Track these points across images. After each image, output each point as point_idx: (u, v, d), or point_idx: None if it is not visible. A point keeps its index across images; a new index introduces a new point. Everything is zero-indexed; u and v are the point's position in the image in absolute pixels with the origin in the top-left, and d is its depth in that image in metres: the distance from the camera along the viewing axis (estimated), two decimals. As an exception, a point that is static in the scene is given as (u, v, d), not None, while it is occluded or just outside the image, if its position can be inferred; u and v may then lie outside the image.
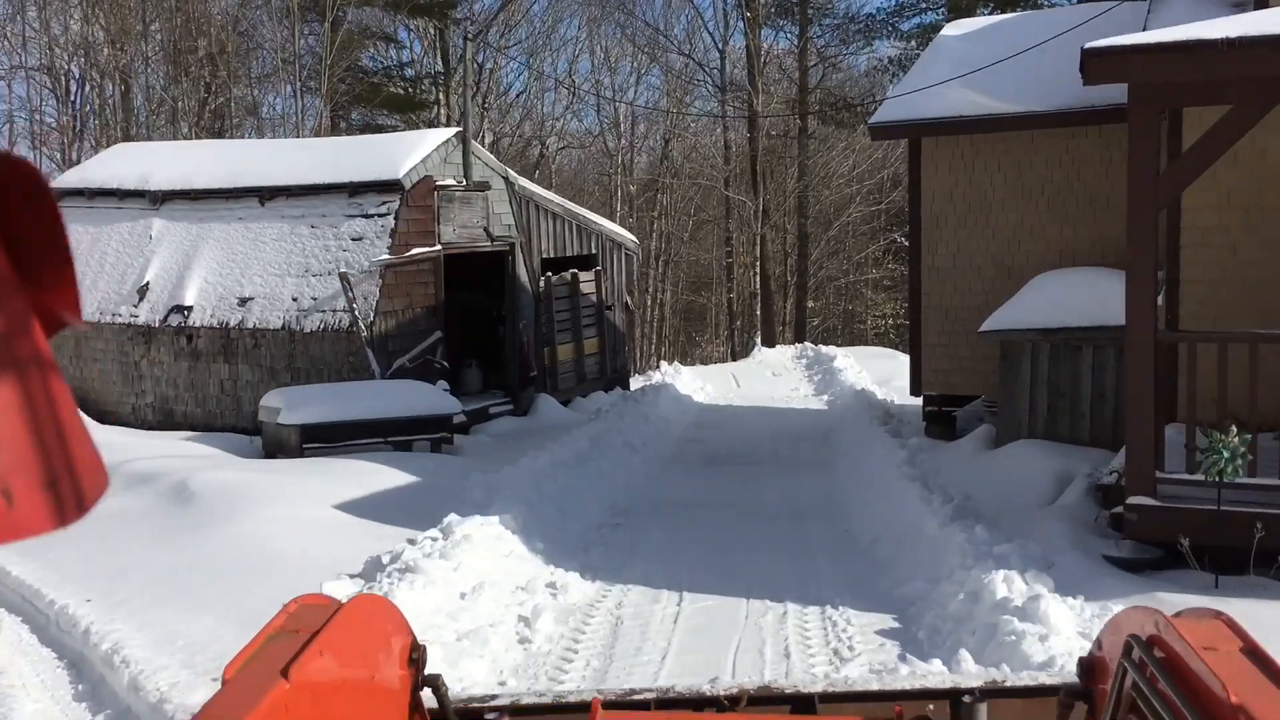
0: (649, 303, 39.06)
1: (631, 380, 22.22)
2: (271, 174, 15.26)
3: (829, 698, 2.84)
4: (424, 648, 2.50)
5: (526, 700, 2.90)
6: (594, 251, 18.59)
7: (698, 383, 22.10)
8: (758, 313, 30.76)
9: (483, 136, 35.75)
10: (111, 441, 12.62)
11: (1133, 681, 2.04)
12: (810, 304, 32.48)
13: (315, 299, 14.28)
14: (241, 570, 7.41)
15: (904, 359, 25.86)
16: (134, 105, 30.08)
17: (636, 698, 2.87)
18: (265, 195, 15.18)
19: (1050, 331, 10.80)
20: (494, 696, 2.95)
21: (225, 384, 14.97)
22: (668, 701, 2.85)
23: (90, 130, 29.19)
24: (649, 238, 38.69)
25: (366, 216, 14.49)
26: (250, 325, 14.55)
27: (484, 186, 15.65)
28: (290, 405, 12.18)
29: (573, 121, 40.08)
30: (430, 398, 13.05)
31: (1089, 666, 2.39)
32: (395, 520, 8.79)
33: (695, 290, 43.71)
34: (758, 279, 30.80)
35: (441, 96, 31.99)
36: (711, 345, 43.82)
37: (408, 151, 14.76)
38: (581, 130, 42.98)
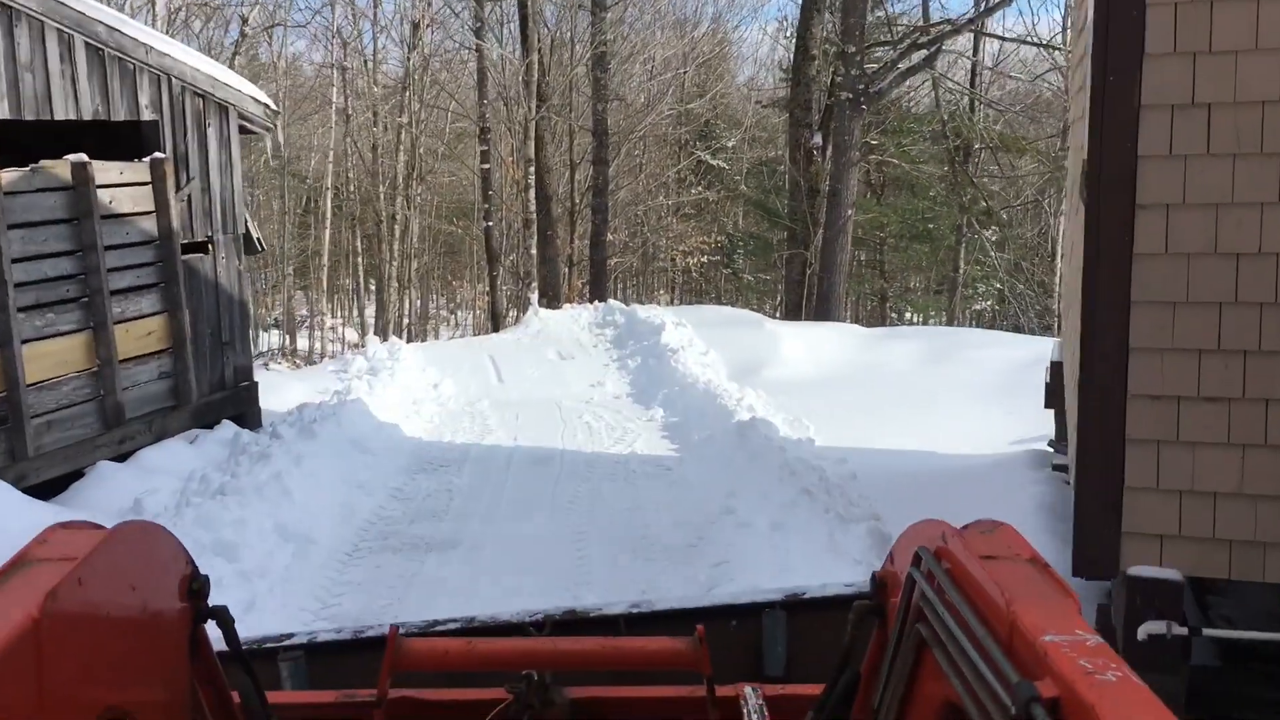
0: (396, 233, 28.59)
1: (292, 384, 12.00)
2: None
3: (634, 620, 2.98)
4: (206, 578, 2.17)
5: (324, 638, 2.98)
6: (150, 118, 8.11)
7: (426, 379, 12.18)
8: (532, 251, 20.23)
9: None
10: None
11: (920, 591, 1.97)
12: (609, 237, 22.15)
13: None
14: None
15: (774, 328, 16.12)
16: None
17: (440, 628, 2.95)
18: None
19: None
20: (290, 635, 2.99)
21: None
22: (473, 630, 2.90)
23: None
24: (396, 153, 28.40)
25: None
26: None
27: None
28: None
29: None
30: None
31: (881, 581, 2.26)
32: None
33: (452, 220, 33.55)
34: (532, 198, 19.72)
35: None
36: (475, 294, 33.69)
37: None
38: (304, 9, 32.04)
